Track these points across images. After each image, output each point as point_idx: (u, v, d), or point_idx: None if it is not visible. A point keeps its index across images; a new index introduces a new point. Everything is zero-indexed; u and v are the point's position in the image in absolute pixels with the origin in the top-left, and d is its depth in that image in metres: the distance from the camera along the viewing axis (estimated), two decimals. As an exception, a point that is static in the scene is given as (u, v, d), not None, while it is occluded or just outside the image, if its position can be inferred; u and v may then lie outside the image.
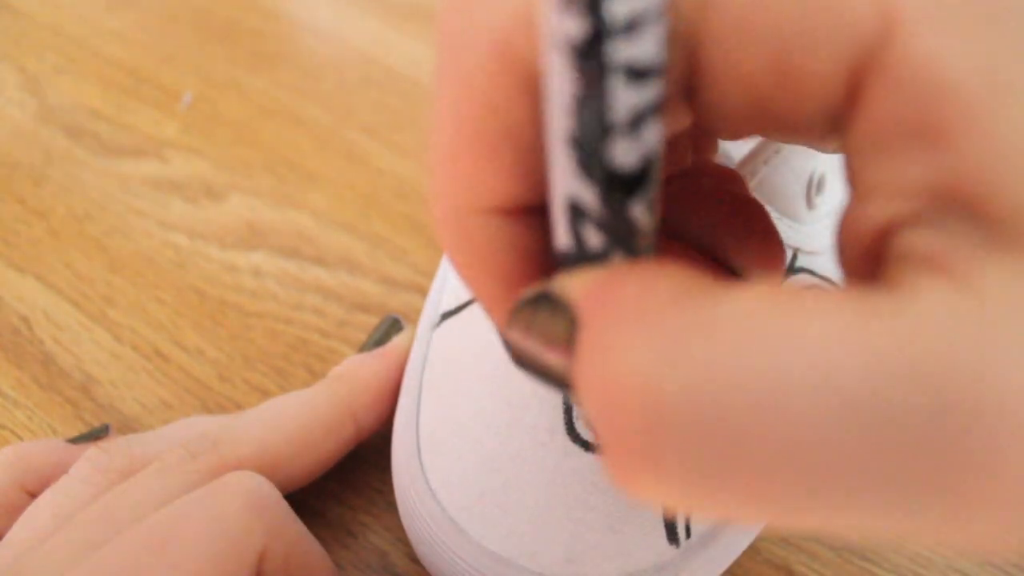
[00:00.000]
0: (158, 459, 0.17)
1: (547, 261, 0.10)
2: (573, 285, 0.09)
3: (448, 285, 0.21)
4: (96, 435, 0.20)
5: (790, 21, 0.07)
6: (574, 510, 0.16)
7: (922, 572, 0.20)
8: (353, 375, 0.20)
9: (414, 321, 0.25)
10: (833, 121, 0.08)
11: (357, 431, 0.20)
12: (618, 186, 0.08)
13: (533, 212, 0.10)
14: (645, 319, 0.08)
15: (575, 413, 0.16)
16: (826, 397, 0.07)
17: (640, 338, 0.08)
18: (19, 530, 0.16)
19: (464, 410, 0.17)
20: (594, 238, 0.09)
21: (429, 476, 0.17)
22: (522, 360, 0.10)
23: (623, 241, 0.09)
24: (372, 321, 0.25)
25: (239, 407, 0.23)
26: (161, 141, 0.31)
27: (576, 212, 0.09)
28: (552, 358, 0.09)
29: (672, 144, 0.10)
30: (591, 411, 0.08)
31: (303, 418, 0.19)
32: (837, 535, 0.07)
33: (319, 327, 0.25)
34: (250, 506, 0.15)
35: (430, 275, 0.26)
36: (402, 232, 0.28)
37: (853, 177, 0.08)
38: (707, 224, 0.12)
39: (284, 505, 0.16)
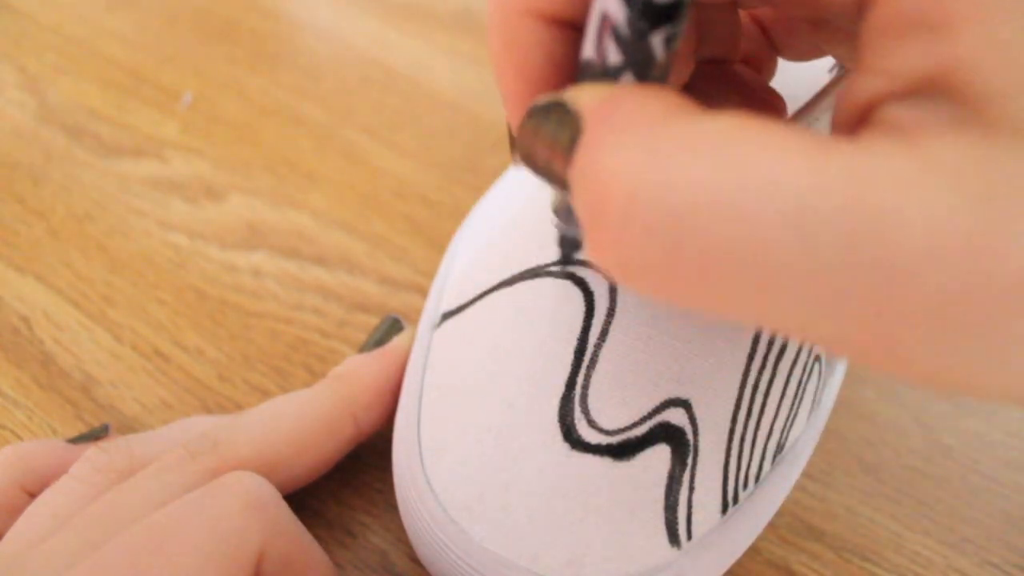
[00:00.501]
0: (158, 460, 0.17)
1: (574, 75, 0.12)
2: (582, 96, 0.10)
3: (448, 285, 0.21)
4: (96, 435, 0.20)
5: None
6: (575, 511, 0.16)
7: (922, 572, 0.20)
8: (353, 375, 0.20)
9: (414, 321, 0.25)
10: (857, 10, 0.09)
11: (357, 431, 0.20)
12: (648, 13, 0.09)
13: (574, 27, 0.11)
14: (636, 128, 0.09)
15: (576, 415, 0.16)
16: (770, 209, 0.08)
17: (628, 143, 0.09)
18: (18, 530, 0.16)
19: (465, 411, 0.17)
20: (614, 55, 0.10)
21: (431, 477, 0.17)
22: (527, 158, 0.11)
23: (639, 65, 0.10)
24: (372, 321, 0.25)
25: (239, 407, 0.23)
26: (161, 141, 0.31)
27: (605, 26, 0.10)
28: (554, 161, 0.10)
29: (709, 30, 0.11)
30: (580, 201, 0.10)
31: (303, 418, 0.19)
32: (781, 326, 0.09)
33: (319, 327, 0.25)
34: (249, 506, 0.15)
35: (430, 275, 0.26)
36: (402, 232, 0.28)
37: (859, 61, 0.09)
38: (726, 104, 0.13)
39: (283, 506, 0.16)
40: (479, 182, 0.29)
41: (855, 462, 0.22)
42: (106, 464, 0.17)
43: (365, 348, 0.22)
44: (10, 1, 0.37)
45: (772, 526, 0.20)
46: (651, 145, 0.09)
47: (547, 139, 0.10)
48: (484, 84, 0.32)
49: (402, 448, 0.18)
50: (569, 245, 0.17)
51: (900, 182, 0.08)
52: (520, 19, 0.11)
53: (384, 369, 0.21)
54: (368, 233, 0.28)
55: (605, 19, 0.10)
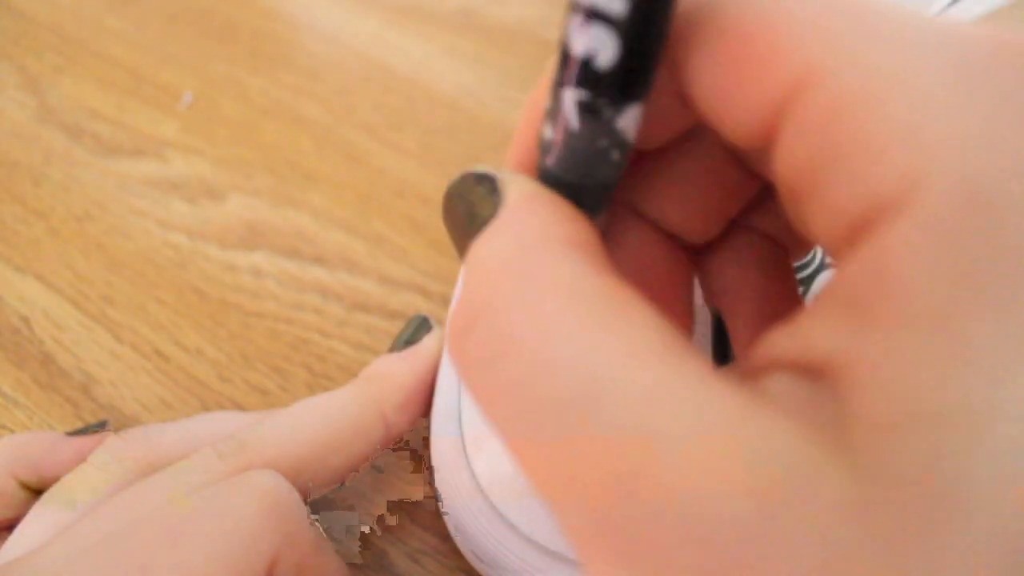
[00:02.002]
0: (180, 455, 0.17)
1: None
2: (510, 187, 0.10)
3: None
4: (94, 430, 0.20)
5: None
6: None
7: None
8: (384, 375, 0.20)
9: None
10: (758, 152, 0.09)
11: (388, 432, 0.19)
12: (592, 103, 0.09)
13: None
14: (518, 256, 0.09)
15: None
16: (562, 396, 0.08)
17: (505, 268, 0.09)
18: (35, 516, 0.16)
19: None
20: (548, 132, 0.10)
21: (475, 470, 0.17)
22: (447, 214, 0.11)
23: (574, 151, 0.10)
24: (372, 321, 0.25)
25: (239, 407, 0.23)
26: (161, 141, 0.31)
27: (556, 108, 0.10)
28: (464, 228, 0.11)
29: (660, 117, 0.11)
30: (463, 278, 0.10)
31: (332, 419, 0.19)
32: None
33: (319, 327, 0.25)
34: (266, 508, 0.15)
35: (430, 275, 0.26)
36: (402, 232, 0.28)
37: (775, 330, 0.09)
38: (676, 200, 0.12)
39: (302, 508, 0.16)
40: (479, 182, 0.29)
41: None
42: (124, 452, 0.17)
43: (395, 348, 0.21)
44: (10, 1, 0.37)
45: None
46: (525, 272, 0.09)
47: (470, 203, 0.11)
48: (484, 84, 0.32)
49: (446, 445, 0.18)
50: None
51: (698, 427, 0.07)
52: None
53: (414, 369, 0.20)
54: (368, 233, 0.28)
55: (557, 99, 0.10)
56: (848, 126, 0.08)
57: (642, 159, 0.12)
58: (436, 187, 0.29)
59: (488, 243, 0.10)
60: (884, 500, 0.07)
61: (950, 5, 0.18)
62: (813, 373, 0.08)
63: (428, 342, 0.21)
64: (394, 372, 0.20)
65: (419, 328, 0.22)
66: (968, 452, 0.07)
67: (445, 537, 0.20)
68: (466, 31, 0.34)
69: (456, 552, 0.20)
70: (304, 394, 0.23)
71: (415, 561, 0.20)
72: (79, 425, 0.23)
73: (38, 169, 0.30)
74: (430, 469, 0.20)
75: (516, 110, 0.31)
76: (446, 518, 0.19)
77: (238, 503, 0.15)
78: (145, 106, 0.32)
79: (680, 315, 0.13)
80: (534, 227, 0.10)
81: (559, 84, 0.09)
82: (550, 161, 0.11)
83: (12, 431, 0.23)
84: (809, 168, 0.08)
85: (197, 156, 0.30)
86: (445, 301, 0.26)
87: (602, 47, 0.09)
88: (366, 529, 0.21)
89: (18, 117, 0.32)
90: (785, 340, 0.08)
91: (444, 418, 0.19)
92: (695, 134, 0.11)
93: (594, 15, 0.08)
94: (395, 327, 0.25)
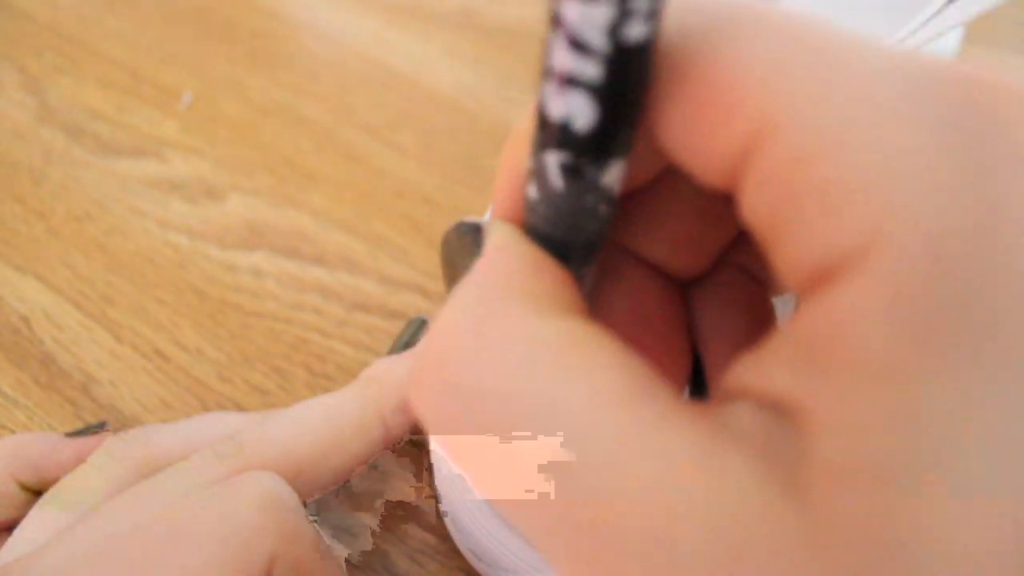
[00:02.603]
0: (179, 456, 0.17)
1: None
2: (491, 235, 0.11)
3: None
4: (94, 430, 0.20)
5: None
6: None
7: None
8: (383, 377, 0.20)
9: (414, 321, 0.25)
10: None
11: (387, 434, 0.19)
12: (569, 154, 0.09)
13: None
14: (482, 301, 0.09)
15: None
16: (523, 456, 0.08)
17: (466, 312, 0.09)
18: (34, 517, 0.16)
19: None
20: (532, 191, 0.10)
21: None
22: (444, 261, 0.11)
23: (551, 201, 0.10)
24: (372, 321, 0.25)
25: (239, 407, 0.23)
26: (161, 141, 0.31)
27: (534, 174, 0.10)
28: (453, 280, 0.11)
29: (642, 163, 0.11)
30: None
31: (331, 421, 0.19)
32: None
33: (319, 327, 0.25)
34: (265, 509, 0.15)
35: (430, 275, 0.26)
36: (402, 232, 0.28)
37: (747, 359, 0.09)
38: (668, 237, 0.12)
39: (300, 510, 0.16)
40: (479, 182, 0.29)
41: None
42: (124, 453, 0.17)
43: (394, 350, 0.21)
44: (10, 1, 0.37)
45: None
46: (483, 328, 0.09)
47: (458, 253, 0.11)
48: (484, 84, 0.32)
49: None
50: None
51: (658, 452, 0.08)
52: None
53: None
54: (368, 233, 0.28)
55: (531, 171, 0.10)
56: (807, 178, 0.07)
57: (627, 198, 0.12)
58: (436, 187, 0.29)
59: (455, 297, 0.10)
60: (834, 545, 0.07)
61: (947, 4, 0.18)
62: (776, 408, 0.08)
63: None
64: (393, 374, 0.20)
65: (418, 330, 0.21)
66: (917, 509, 0.07)
67: (445, 537, 0.20)
68: (466, 31, 0.34)
69: (456, 552, 0.20)
70: (304, 394, 0.23)
71: (415, 561, 0.20)
72: (79, 425, 0.23)
73: (38, 169, 0.30)
74: (430, 469, 0.20)
75: (516, 110, 0.31)
76: (446, 518, 0.19)
77: (237, 505, 0.15)
78: (145, 106, 0.32)
79: (676, 351, 0.13)
80: (496, 280, 0.10)
81: (540, 146, 0.09)
82: (536, 219, 0.10)
83: (12, 431, 0.23)
84: (771, 217, 0.08)
85: (197, 156, 0.30)
86: (445, 301, 0.26)
87: (579, 111, 0.08)
88: (366, 529, 0.21)
89: (18, 117, 0.32)
90: (752, 369, 0.08)
91: None
92: (676, 172, 0.11)
93: (569, 81, 0.08)
94: (395, 327, 0.25)
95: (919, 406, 0.07)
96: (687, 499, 0.07)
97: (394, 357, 0.21)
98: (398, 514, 0.21)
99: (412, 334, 0.21)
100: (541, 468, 0.08)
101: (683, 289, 0.13)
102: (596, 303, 0.12)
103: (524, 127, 0.11)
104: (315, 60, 0.34)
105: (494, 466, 0.09)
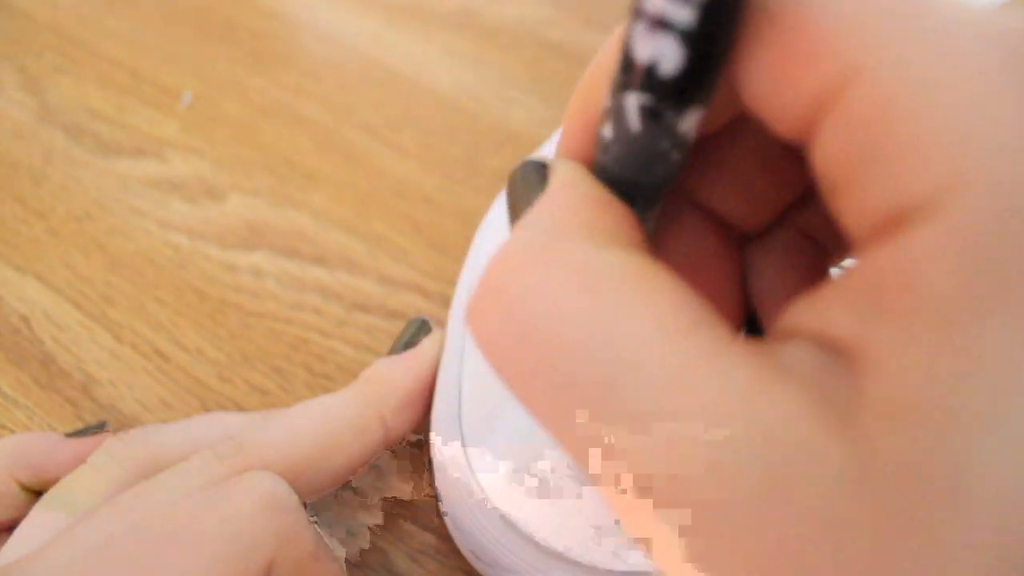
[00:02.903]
0: (179, 456, 0.17)
1: None
2: (556, 170, 0.11)
3: (478, 277, 0.21)
4: (93, 430, 0.20)
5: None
6: None
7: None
8: (382, 378, 0.20)
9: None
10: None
11: (386, 434, 0.19)
12: (654, 95, 0.09)
13: None
14: (549, 232, 0.10)
15: None
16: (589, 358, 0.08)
17: (532, 244, 0.09)
18: (34, 518, 0.16)
19: (507, 402, 0.18)
20: (607, 131, 0.10)
21: (476, 469, 0.17)
22: (510, 199, 0.12)
23: (625, 143, 0.10)
24: (372, 321, 0.25)
25: (239, 407, 0.23)
26: (161, 141, 0.31)
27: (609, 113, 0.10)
28: (521, 209, 0.11)
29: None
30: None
31: (331, 421, 0.19)
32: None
33: (319, 327, 0.25)
34: (264, 509, 0.15)
35: (430, 275, 0.26)
36: (402, 232, 0.28)
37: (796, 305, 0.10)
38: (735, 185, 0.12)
39: (300, 510, 0.16)
40: (479, 182, 0.29)
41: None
42: (124, 453, 0.17)
43: (394, 350, 0.21)
44: (10, 1, 0.37)
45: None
46: (545, 258, 0.09)
47: (524, 191, 0.11)
48: (484, 84, 0.32)
49: (443, 443, 0.18)
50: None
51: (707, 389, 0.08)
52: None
53: (413, 372, 0.20)
54: (368, 233, 0.28)
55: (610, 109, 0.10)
56: (887, 126, 0.08)
57: (696, 144, 0.12)
58: (436, 187, 0.29)
59: (517, 227, 0.10)
60: (879, 482, 0.07)
61: None
62: (831, 348, 0.08)
63: (427, 344, 0.21)
64: (393, 375, 0.20)
65: (418, 331, 0.21)
66: (968, 448, 0.07)
67: (445, 537, 0.20)
68: (466, 31, 0.34)
69: (456, 552, 0.20)
70: (304, 394, 0.23)
71: (415, 561, 0.20)
72: (79, 425, 0.23)
73: (38, 169, 0.30)
74: (430, 469, 0.20)
75: (516, 110, 0.31)
76: (446, 518, 0.19)
77: (236, 505, 0.15)
78: (145, 106, 0.32)
79: (730, 303, 0.13)
80: (560, 213, 0.10)
81: (621, 87, 0.09)
82: (608, 158, 0.10)
83: (12, 431, 0.23)
84: (847, 163, 0.08)
85: (197, 156, 0.30)
86: (445, 301, 0.26)
87: (667, 55, 0.08)
88: (366, 529, 0.21)
89: (18, 117, 0.32)
90: (809, 311, 0.09)
91: (444, 418, 0.19)
92: (749, 120, 0.11)
93: (660, 23, 0.08)
94: (395, 327, 0.25)
95: (978, 352, 0.07)
96: (739, 428, 0.07)
97: (394, 357, 0.21)
98: (398, 514, 0.21)
99: (412, 334, 0.21)
100: (597, 391, 0.08)
101: (742, 244, 0.13)
102: (655, 247, 0.12)
103: (601, 63, 0.11)
104: (315, 60, 0.34)
105: (552, 391, 0.09)
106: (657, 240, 0.13)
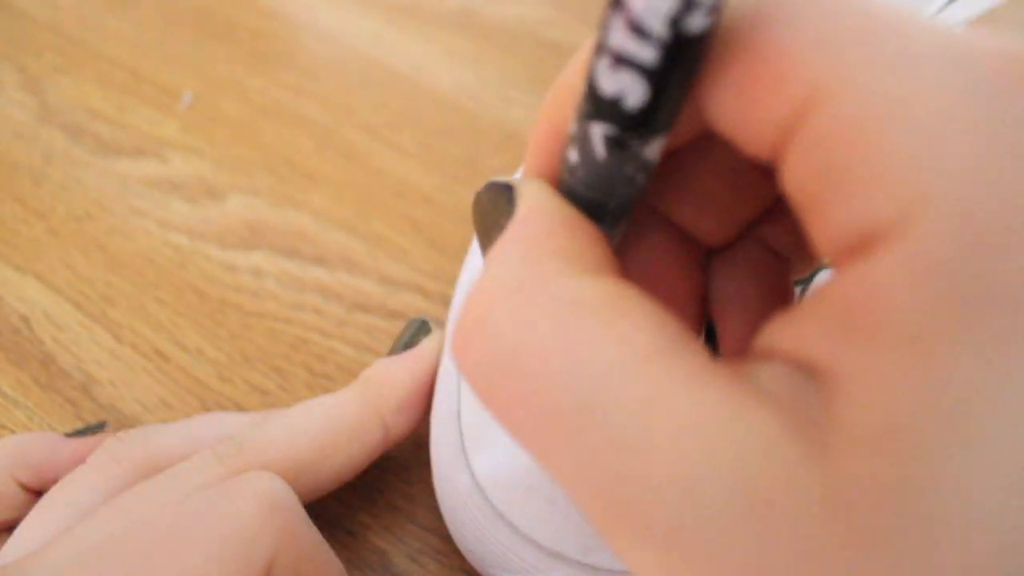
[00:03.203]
0: (179, 456, 0.17)
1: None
2: (524, 194, 0.11)
3: (478, 278, 0.21)
4: (93, 430, 0.20)
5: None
6: None
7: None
8: (382, 378, 0.20)
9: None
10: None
11: (386, 435, 0.19)
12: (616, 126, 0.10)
13: None
14: (525, 259, 0.10)
15: None
16: (570, 393, 0.09)
17: (507, 272, 0.10)
18: (35, 519, 0.16)
19: None
20: (573, 156, 0.10)
21: (475, 471, 0.17)
22: (477, 223, 0.12)
23: (591, 170, 0.10)
24: (372, 321, 0.25)
25: (239, 407, 0.23)
26: (161, 141, 0.31)
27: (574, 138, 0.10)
28: (492, 235, 0.11)
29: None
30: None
31: (331, 422, 0.19)
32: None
33: (319, 327, 0.25)
34: (264, 509, 0.15)
35: (430, 275, 0.26)
36: (402, 232, 0.28)
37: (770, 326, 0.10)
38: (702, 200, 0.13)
39: (300, 510, 0.16)
40: (479, 182, 0.29)
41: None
42: (123, 454, 0.17)
43: (394, 351, 0.21)
44: (10, 1, 0.37)
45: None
46: (522, 290, 0.09)
47: (492, 212, 0.11)
48: (484, 84, 0.32)
49: (444, 442, 0.18)
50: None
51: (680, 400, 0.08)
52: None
53: (413, 372, 0.20)
54: (368, 233, 0.28)
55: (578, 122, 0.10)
56: (850, 150, 0.08)
57: (662, 160, 0.12)
58: (436, 187, 0.29)
59: (492, 255, 0.10)
60: (852, 506, 0.07)
61: (947, 4, 0.18)
62: (806, 369, 0.08)
63: (427, 344, 0.21)
64: (392, 375, 0.20)
65: (418, 331, 0.21)
66: (936, 472, 0.07)
67: (445, 537, 0.20)
68: (466, 31, 0.34)
69: (456, 552, 0.20)
70: (304, 394, 0.23)
71: (415, 561, 0.20)
72: (79, 425, 0.23)
73: (38, 169, 0.30)
74: (430, 469, 0.20)
75: (516, 110, 0.31)
76: (445, 518, 0.19)
77: (236, 505, 0.15)
78: (145, 106, 0.32)
79: (690, 315, 0.13)
80: (534, 239, 0.10)
81: (586, 116, 0.10)
82: (574, 180, 0.11)
83: (12, 431, 0.23)
84: (815, 185, 0.08)
85: (197, 156, 0.30)
86: (445, 301, 0.26)
87: (631, 90, 0.09)
88: (365, 529, 0.21)
89: (18, 117, 0.32)
90: (785, 331, 0.09)
91: (444, 418, 0.19)
92: (714, 136, 0.11)
93: (624, 60, 0.08)
94: (395, 327, 0.25)
95: (946, 375, 0.07)
96: (714, 452, 0.08)
97: (394, 358, 0.21)
98: (398, 514, 0.21)
99: (412, 335, 0.21)
100: (574, 418, 0.08)
101: (705, 256, 0.13)
102: (620, 259, 0.12)
103: (566, 82, 0.11)
104: (315, 60, 0.34)
105: (532, 420, 0.09)
106: (622, 252, 0.13)
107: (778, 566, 0.07)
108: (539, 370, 0.09)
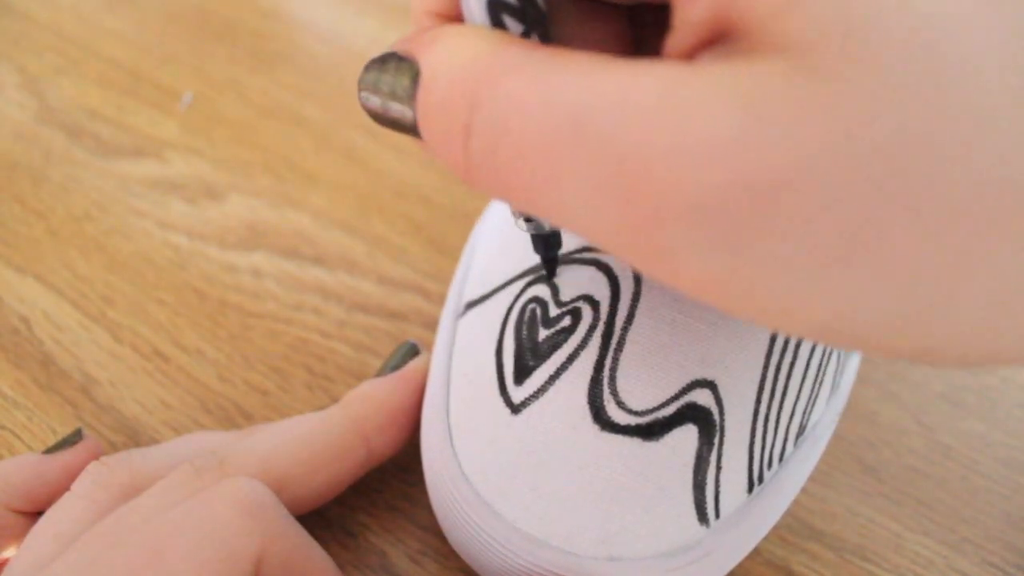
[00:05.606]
0: (163, 477, 0.17)
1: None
2: (412, 41, 0.11)
3: (471, 275, 0.21)
4: (71, 441, 0.19)
5: None
6: (606, 491, 0.16)
7: (922, 572, 0.20)
8: (367, 397, 0.20)
9: (415, 321, 0.25)
10: None
11: (369, 454, 0.19)
12: None
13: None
14: (463, 50, 0.10)
15: (605, 396, 0.17)
16: (559, 116, 0.10)
17: (459, 63, 0.10)
18: (24, 552, 0.16)
19: (494, 396, 0.18)
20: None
21: (462, 461, 0.17)
22: (373, 112, 0.12)
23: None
24: (372, 321, 0.25)
25: (239, 407, 0.23)
26: (161, 141, 0.31)
27: None
28: (397, 109, 0.11)
29: None
30: (430, 134, 0.11)
31: (313, 438, 0.19)
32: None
33: (319, 327, 0.25)
34: (244, 510, 0.15)
35: (430, 275, 0.26)
36: (401, 232, 0.28)
37: (672, 21, 0.11)
38: None
39: (281, 509, 0.16)
40: (479, 182, 0.29)
41: (855, 462, 0.22)
42: (107, 478, 0.17)
43: (381, 373, 0.21)
44: (10, 1, 0.37)
45: (772, 527, 0.20)
46: (490, 76, 0.10)
47: (389, 90, 0.11)
48: (484, 84, 0.32)
49: (432, 435, 0.18)
50: (542, 244, 0.17)
51: (664, 92, 0.09)
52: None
53: (398, 392, 0.20)
54: (368, 233, 0.28)
55: None
56: None
57: None
58: (436, 187, 0.29)
59: (442, 61, 0.11)
60: (815, 49, 0.08)
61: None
62: (721, 36, 0.09)
63: (413, 365, 0.21)
64: (377, 394, 0.20)
65: (406, 355, 0.21)
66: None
67: (445, 537, 0.20)
68: (466, 31, 0.34)
69: (456, 552, 0.20)
70: (304, 394, 0.24)
71: (415, 561, 0.20)
72: (79, 425, 0.23)
73: (38, 169, 0.30)
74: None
75: (516, 110, 0.31)
76: (437, 514, 0.19)
77: (216, 509, 0.15)
78: (145, 106, 0.32)
79: None
80: (472, 36, 0.11)
81: None
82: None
83: (12, 432, 0.23)
84: None
85: (197, 156, 0.30)
86: (445, 301, 0.26)
87: None
88: (364, 529, 0.21)
89: (18, 117, 0.32)
90: (675, 41, 0.10)
91: (434, 407, 0.19)
92: None
93: None
94: (395, 327, 0.25)
95: None
96: (703, 94, 0.09)
97: (379, 378, 0.21)
98: (398, 514, 0.21)
99: (400, 359, 0.21)
100: (585, 137, 0.09)
101: (627, 16, 0.14)
102: (558, 35, 0.14)
103: None
104: (315, 60, 0.34)
105: (556, 157, 0.10)
106: (558, 30, 0.14)
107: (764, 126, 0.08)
108: (536, 112, 0.09)
